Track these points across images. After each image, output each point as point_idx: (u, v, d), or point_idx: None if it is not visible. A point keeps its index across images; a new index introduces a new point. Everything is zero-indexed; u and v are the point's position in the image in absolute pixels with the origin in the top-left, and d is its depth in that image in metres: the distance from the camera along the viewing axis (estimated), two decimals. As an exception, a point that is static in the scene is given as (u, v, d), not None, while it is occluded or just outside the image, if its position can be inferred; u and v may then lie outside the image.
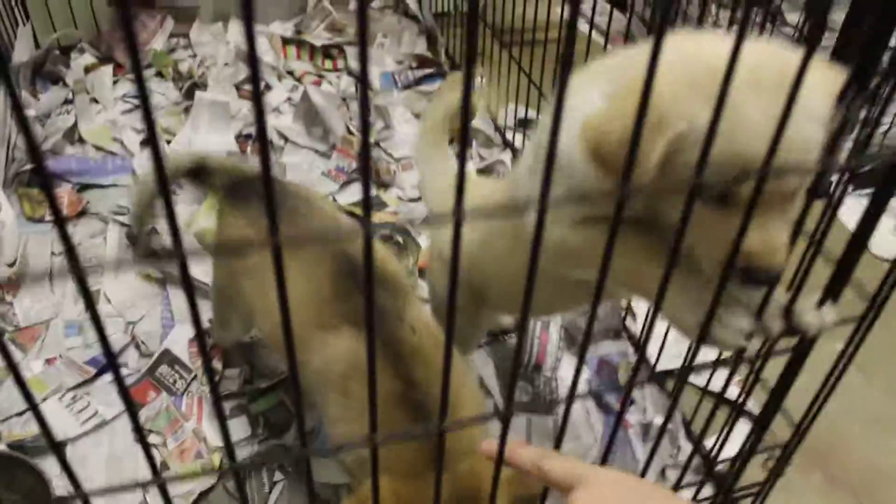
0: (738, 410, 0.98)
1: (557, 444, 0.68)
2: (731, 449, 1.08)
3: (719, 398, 0.86)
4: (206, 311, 1.30)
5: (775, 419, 0.97)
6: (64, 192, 1.69)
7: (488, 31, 2.07)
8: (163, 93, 2.05)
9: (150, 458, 0.44)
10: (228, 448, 0.44)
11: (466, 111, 0.33)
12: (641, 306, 1.53)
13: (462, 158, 0.35)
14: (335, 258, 0.92)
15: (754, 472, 1.14)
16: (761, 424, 0.98)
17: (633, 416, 1.35)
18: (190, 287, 0.35)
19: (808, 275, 0.78)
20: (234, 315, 1.19)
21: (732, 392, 1.05)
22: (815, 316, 0.69)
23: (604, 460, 0.66)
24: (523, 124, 1.85)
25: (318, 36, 2.26)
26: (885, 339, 1.58)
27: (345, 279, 0.91)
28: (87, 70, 2.04)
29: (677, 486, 1.08)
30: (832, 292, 0.73)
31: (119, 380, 0.39)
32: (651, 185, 0.67)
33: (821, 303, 0.70)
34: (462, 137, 0.34)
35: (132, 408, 0.40)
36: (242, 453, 1.26)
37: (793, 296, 0.69)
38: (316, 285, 0.91)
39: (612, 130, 0.65)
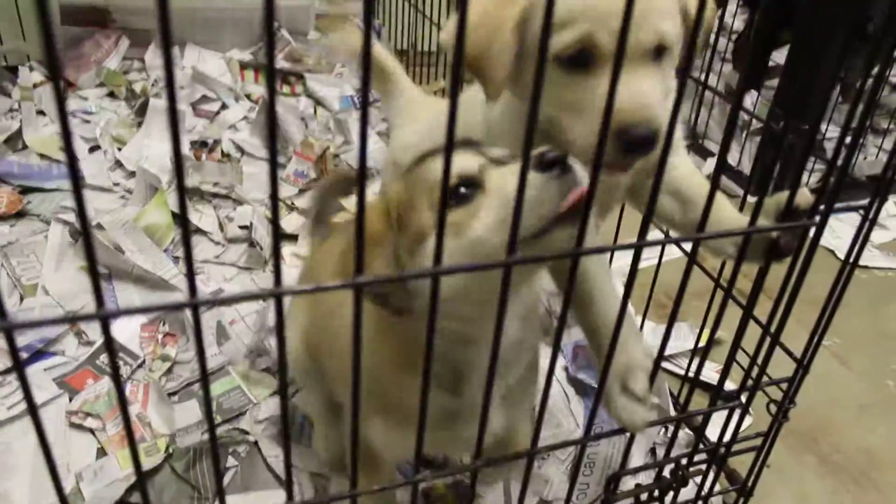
0: (719, 389, 0.94)
1: (536, 432, 0.68)
2: (715, 432, 1.02)
3: (695, 381, 0.90)
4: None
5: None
6: (3, 192, 1.59)
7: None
8: (114, 111, 1.99)
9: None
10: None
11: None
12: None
13: None
14: None
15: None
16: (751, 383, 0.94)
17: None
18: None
19: (805, 164, 0.78)
20: None
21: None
22: (806, 197, 0.72)
23: (586, 436, 0.73)
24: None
25: (276, 63, 2.24)
26: (861, 329, 1.57)
27: None
28: (36, 86, 1.97)
29: (666, 457, 1.00)
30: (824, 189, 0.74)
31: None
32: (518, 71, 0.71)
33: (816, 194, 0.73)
34: None
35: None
36: (192, 438, 1.13)
37: (793, 185, 0.73)
38: None
39: (452, 28, 0.71)
